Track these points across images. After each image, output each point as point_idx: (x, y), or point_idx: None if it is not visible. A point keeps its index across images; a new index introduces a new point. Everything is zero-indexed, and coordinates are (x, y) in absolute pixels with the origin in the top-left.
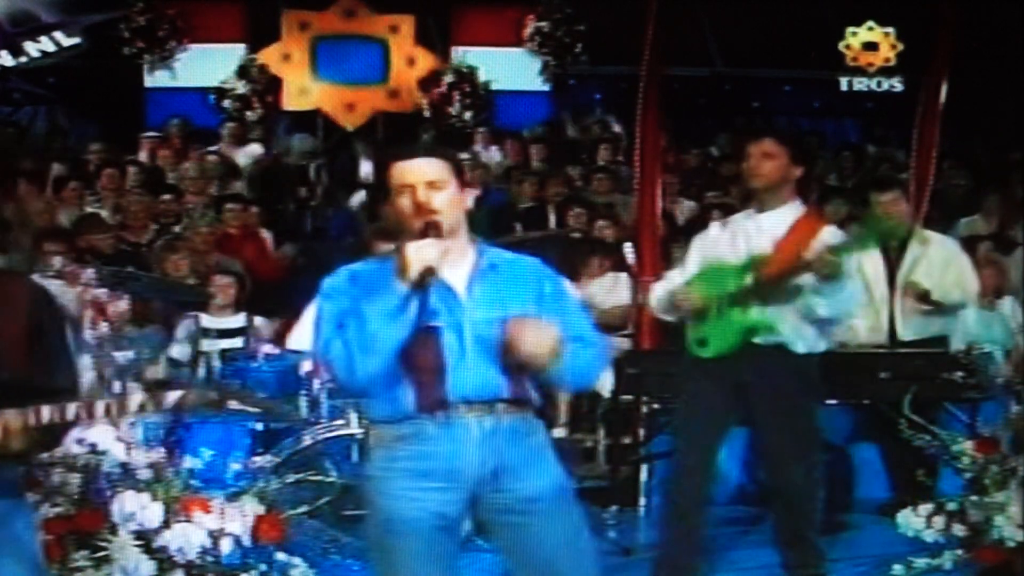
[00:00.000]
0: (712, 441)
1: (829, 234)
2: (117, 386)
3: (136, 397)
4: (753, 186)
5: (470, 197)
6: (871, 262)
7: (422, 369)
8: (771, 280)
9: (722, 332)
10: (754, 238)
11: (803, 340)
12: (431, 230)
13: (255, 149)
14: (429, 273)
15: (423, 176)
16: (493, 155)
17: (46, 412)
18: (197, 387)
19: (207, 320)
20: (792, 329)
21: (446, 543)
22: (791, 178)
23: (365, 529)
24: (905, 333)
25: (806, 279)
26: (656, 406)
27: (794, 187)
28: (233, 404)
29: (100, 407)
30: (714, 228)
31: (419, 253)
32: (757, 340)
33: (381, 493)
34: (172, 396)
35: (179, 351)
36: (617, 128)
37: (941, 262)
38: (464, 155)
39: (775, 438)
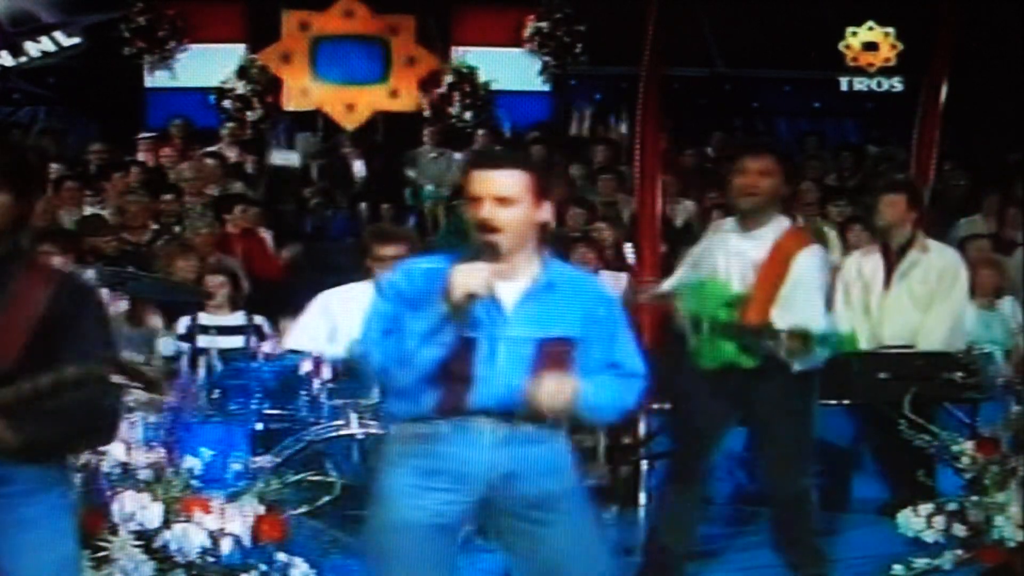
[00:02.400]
0: (709, 443)
1: (807, 256)
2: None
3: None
4: (744, 205)
5: (545, 212)
6: (869, 263)
7: (450, 376)
8: (749, 329)
9: (710, 351)
10: (734, 258)
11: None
12: (486, 253)
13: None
14: (470, 300)
15: (493, 190)
16: None
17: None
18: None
19: (205, 318)
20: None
21: (443, 544)
22: (781, 196)
23: (367, 524)
24: (895, 337)
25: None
26: (656, 406)
27: (780, 204)
28: (118, 378)
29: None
30: (712, 232)
31: (464, 279)
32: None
33: (386, 488)
34: (72, 372)
35: (169, 346)
36: (623, 129)
37: (937, 272)
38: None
39: (776, 443)
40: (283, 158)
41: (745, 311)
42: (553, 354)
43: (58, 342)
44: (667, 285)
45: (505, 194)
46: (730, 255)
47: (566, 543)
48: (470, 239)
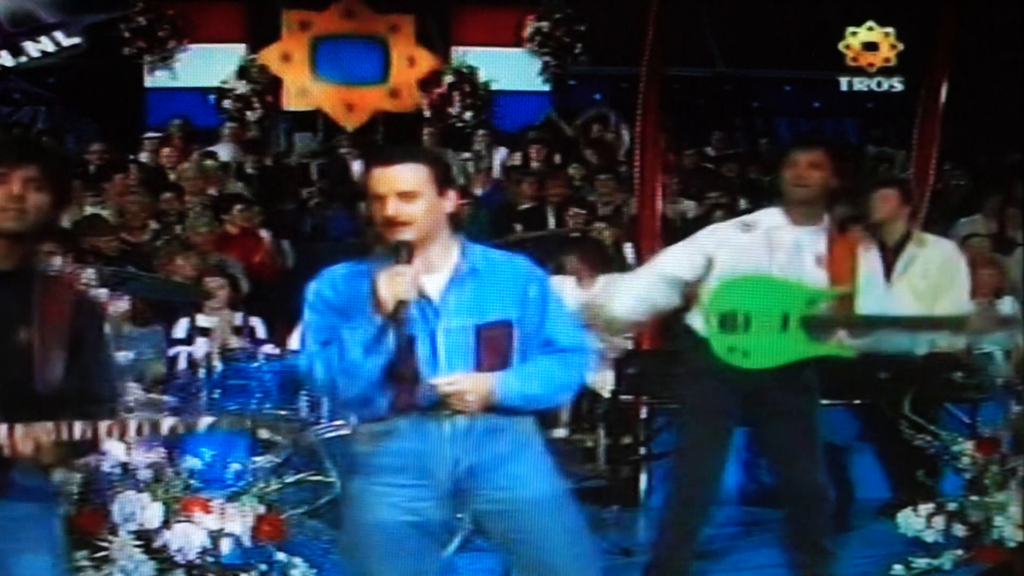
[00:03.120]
0: (723, 444)
1: (870, 252)
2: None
3: (168, 420)
4: (796, 197)
5: (451, 202)
6: (866, 261)
7: (397, 377)
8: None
9: (774, 349)
10: (794, 252)
11: None
12: (401, 252)
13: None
14: (402, 306)
15: (394, 186)
16: (498, 155)
17: (78, 428)
18: (230, 414)
19: (204, 320)
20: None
21: (419, 540)
22: (831, 191)
23: (342, 527)
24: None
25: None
26: (656, 406)
27: (828, 201)
28: (264, 433)
29: (132, 426)
30: (734, 230)
31: (391, 287)
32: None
33: (355, 488)
34: (205, 421)
35: (180, 351)
36: (623, 132)
37: (937, 265)
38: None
39: (797, 442)
40: (303, 142)
41: (839, 303)
42: (493, 338)
43: (72, 358)
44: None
45: (406, 188)
46: (787, 248)
47: (546, 534)
48: (379, 239)
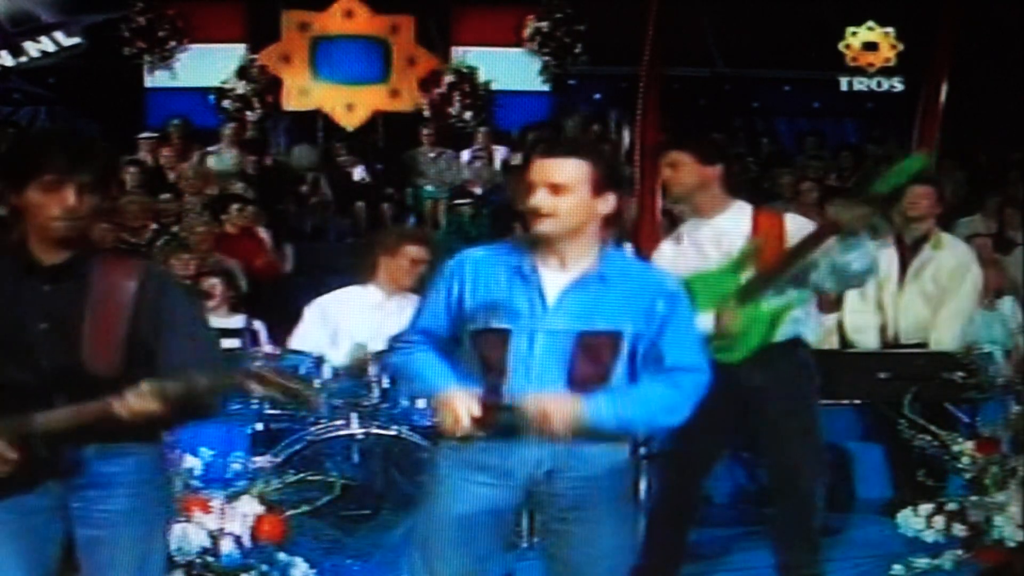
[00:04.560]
0: (717, 448)
1: (792, 222)
2: None
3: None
4: (675, 198)
5: (608, 203)
6: (884, 259)
7: (486, 368)
8: (785, 261)
9: (750, 332)
10: (722, 242)
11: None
12: (536, 241)
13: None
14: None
15: (546, 176)
16: (500, 154)
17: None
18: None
19: None
20: (806, 312)
21: (489, 533)
22: (711, 178)
23: (416, 515)
24: (908, 335)
25: (826, 247)
26: None
27: (724, 187)
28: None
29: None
30: (666, 245)
31: (449, 410)
32: (776, 337)
33: (435, 480)
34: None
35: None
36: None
37: (949, 270)
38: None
39: (792, 441)
40: (301, 152)
41: (764, 256)
42: (593, 347)
43: (150, 335)
44: None
45: (558, 181)
46: (712, 240)
47: (598, 546)
48: (527, 228)
